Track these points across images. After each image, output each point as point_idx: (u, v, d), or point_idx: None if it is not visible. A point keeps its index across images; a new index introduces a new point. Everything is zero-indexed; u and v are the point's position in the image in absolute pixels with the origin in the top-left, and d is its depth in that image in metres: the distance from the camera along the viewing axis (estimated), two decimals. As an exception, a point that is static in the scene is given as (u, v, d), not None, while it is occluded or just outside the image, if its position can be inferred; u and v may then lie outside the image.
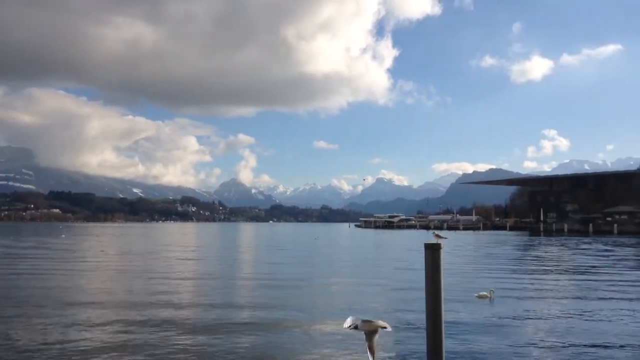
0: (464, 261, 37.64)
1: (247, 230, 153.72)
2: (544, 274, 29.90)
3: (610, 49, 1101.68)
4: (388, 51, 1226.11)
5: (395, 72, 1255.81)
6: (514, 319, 15.76)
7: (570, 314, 16.48)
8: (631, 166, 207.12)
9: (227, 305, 17.63)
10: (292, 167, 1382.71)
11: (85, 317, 15.40)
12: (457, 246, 58.85)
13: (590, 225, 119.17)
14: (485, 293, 19.77)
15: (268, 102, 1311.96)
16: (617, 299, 19.71)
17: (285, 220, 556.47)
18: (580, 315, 16.25)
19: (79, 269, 30.62)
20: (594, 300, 19.20)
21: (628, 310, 17.05)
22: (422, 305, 8.54)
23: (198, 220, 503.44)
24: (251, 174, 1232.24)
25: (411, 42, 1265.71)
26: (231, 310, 16.75)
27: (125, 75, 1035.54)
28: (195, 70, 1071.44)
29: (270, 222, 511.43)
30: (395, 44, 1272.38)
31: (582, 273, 30.05)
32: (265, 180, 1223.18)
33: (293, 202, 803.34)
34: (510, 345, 12.37)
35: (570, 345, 12.31)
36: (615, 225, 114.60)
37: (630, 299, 19.55)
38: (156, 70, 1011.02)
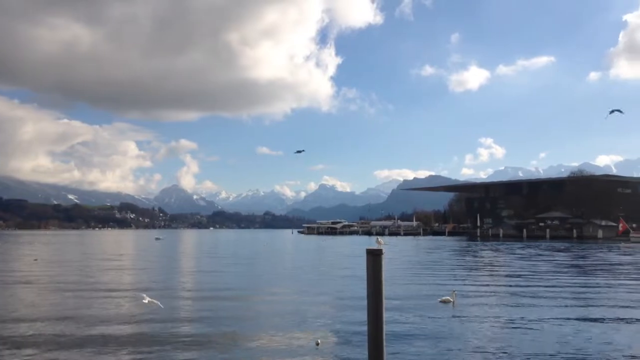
0: (409, 267, 38.26)
1: (188, 238, 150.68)
2: (488, 278, 30.81)
3: (543, 60, 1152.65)
4: (331, 59, 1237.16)
5: (339, 79, 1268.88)
6: (462, 323, 16.00)
7: (510, 319, 16.97)
8: (562, 173, 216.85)
9: (166, 319, 16.67)
10: (235, 173, 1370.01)
11: (8, 335, 14.49)
12: (400, 252, 59.82)
13: (524, 230, 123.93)
14: (448, 297, 20.10)
15: (211, 107, 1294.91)
16: (548, 305, 20.49)
17: (228, 227, 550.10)
18: (521, 321, 16.74)
19: (7, 281, 28.99)
20: (530, 306, 19.85)
21: (563, 317, 17.76)
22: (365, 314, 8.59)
23: (137, 227, 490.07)
24: (193, 180, 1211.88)
25: (354, 51, 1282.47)
26: (170, 325, 15.99)
27: (61, 77, 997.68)
28: (136, 74, 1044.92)
29: (211, 228, 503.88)
30: (339, 52, 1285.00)
31: (519, 277, 31.12)
32: (208, 186, 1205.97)
33: (236, 209, 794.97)
34: (450, 350, 12.59)
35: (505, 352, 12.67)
36: (548, 231, 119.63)
37: (566, 305, 20.36)
38: (94, 73, 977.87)
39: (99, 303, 20.30)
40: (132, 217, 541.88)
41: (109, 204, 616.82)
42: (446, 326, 15.69)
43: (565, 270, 36.96)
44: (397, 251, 62.03)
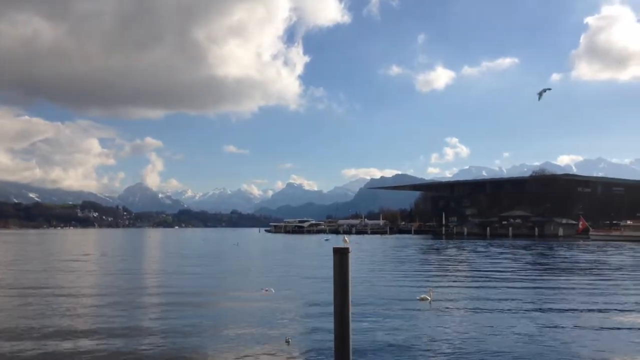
0: (379, 266, 38.60)
1: (153, 237, 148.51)
2: (457, 276, 31.32)
3: (507, 61, 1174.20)
4: (299, 57, 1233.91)
5: (306, 78, 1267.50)
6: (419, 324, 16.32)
7: (482, 316, 17.40)
8: (525, 172, 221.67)
9: (129, 329, 15.99)
10: (202, 171, 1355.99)
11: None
12: (369, 251, 60.26)
13: (488, 228, 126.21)
14: (425, 295, 20.37)
15: (177, 104, 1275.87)
16: (513, 303, 21.03)
17: (194, 226, 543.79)
18: (491, 318, 17.17)
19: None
20: (497, 302, 20.37)
21: (519, 315, 18.24)
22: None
23: (100, 226, 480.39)
24: (158, 178, 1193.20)
25: (322, 50, 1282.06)
26: (135, 328, 15.80)
27: (21, 73, 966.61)
28: (99, 70, 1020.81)
29: (176, 227, 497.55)
30: (306, 50, 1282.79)
31: (486, 275, 31.76)
32: (173, 184, 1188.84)
33: (202, 207, 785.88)
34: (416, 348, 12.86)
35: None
36: (510, 229, 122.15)
37: (532, 303, 20.90)
38: (56, 69, 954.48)
39: (58, 308, 19.61)
40: (95, 216, 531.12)
41: (71, 203, 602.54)
42: (424, 323, 16.05)
43: (529, 268, 37.91)
44: (366, 249, 62.50)
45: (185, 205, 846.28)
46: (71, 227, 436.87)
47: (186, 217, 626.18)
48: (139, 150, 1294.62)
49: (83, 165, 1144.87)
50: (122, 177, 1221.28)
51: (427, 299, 20.04)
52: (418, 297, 20.54)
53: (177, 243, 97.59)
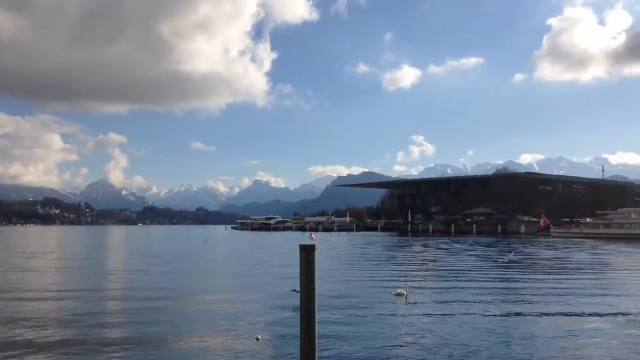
0: (347, 263, 38.73)
1: (116, 234, 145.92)
2: (424, 273, 31.63)
3: (472, 61, 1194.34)
4: (267, 54, 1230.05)
5: (274, 75, 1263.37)
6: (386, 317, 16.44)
7: (451, 311, 17.57)
8: (488, 171, 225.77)
9: (92, 324, 15.93)
10: (167, 168, 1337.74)
11: None
12: (335, 247, 60.43)
13: (452, 225, 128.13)
14: (402, 290, 20.43)
15: (142, 100, 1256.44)
16: (478, 298, 21.32)
17: (159, 223, 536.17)
18: (460, 312, 17.37)
19: None
20: (464, 297, 20.59)
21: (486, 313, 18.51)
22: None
23: (62, 223, 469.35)
24: (122, 175, 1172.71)
25: (289, 46, 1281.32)
26: (97, 330, 15.42)
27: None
28: (62, 64, 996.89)
29: (140, 224, 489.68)
30: (274, 47, 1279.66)
31: (452, 272, 32.20)
32: (138, 181, 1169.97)
33: (167, 204, 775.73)
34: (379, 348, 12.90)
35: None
36: (474, 226, 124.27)
37: (502, 301, 21.23)
38: (17, 62, 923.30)
39: (15, 306, 19.21)
40: (56, 212, 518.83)
41: (31, 199, 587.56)
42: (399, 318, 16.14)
43: (493, 264, 38.57)
44: (335, 246, 62.65)
45: (150, 202, 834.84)
46: (31, 225, 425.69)
47: (151, 214, 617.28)
48: (102, 146, 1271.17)
49: (44, 161, 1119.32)
50: (85, 174, 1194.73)
51: (404, 294, 20.15)
52: (394, 293, 20.64)
53: (141, 240, 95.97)
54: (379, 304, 19.09)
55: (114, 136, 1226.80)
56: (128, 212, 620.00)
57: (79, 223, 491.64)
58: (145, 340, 13.70)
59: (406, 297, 19.97)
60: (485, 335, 14.18)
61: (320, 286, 22.05)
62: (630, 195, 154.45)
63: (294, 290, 13.43)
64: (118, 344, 13.25)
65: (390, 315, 17.19)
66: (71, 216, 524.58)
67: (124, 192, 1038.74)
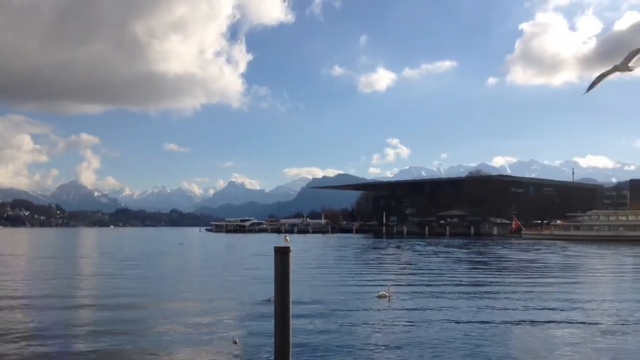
0: (323, 265, 38.71)
1: (87, 237, 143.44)
2: (402, 275, 31.80)
3: (446, 64, 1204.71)
4: (242, 55, 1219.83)
5: (250, 76, 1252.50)
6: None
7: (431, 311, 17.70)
8: (461, 173, 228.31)
9: (61, 332, 15.44)
10: (141, 169, 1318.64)
11: None
12: (311, 250, 60.37)
13: (427, 227, 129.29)
14: (384, 292, 20.42)
15: (116, 100, 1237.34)
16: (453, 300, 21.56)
17: (132, 225, 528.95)
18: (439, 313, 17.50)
19: None
20: (440, 298, 20.80)
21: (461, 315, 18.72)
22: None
23: (32, 225, 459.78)
24: (94, 176, 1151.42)
25: (265, 48, 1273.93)
26: (66, 337, 15.00)
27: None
28: (34, 63, 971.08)
29: (111, 227, 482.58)
30: (250, 49, 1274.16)
31: (429, 273, 32.47)
32: (110, 182, 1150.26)
33: (140, 206, 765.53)
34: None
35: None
36: (448, 228, 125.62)
37: (479, 302, 21.46)
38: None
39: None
40: (26, 214, 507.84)
41: (0, 201, 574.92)
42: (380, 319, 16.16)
43: (467, 266, 39.05)
44: (311, 248, 62.60)
45: (123, 204, 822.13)
46: (0, 226, 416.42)
47: (123, 216, 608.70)
48: (74, 147, 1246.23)
49: (14, 162, 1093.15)
50: (56, 175, 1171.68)
51: (386, 296, 20.19)
52: (376, 294, 20.67)
53: (115, 242, 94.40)
54: (362, 306, 19.12)
55: (86, 137, 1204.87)
56: (100, 214, 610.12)
57: (50, 225, 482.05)
58: (118, 346, 13.45)
59: (389, 299, 20.02)
60: (467, 338, 14.30)
61: (300, 290, 22.27)
62: (599, 197, 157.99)
63: (268, 300, 13.41)
64: (86, 355, 12.89)
65: (374, 316, 17.25)
66: (41, 218, 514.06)
67: (96, 194, 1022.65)
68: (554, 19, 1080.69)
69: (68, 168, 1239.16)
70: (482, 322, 16.50)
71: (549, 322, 16.51)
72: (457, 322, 16.39)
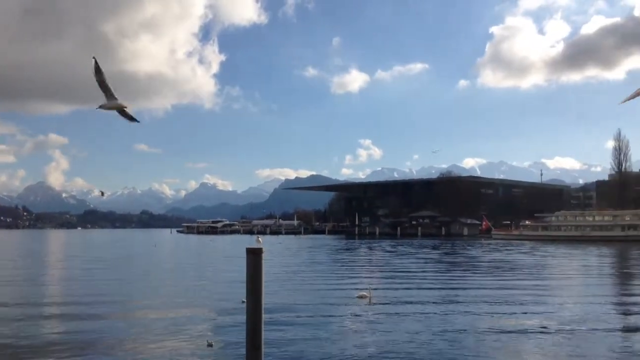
0: (297, 266, 38.58)
1: (55, 239, 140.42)
2: (378, 276, 31.91)
3: (418, 67, 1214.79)
4: (214, 56, 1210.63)
5: (222, 77, 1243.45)
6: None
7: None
8: (433, 174, 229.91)
9: (27, 334, 15.14)
10: (110, 170, 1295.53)
11: None
12: (284, 251, 60.20)
13: (399, 228, 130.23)
14: (365, 293, 20.28)
15: (85, 100, 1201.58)
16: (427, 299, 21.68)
17: (101, 227, 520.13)
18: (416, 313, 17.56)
19: None
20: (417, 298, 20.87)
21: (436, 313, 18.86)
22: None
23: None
24: (62, 177, 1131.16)
25: (238, 49, 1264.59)
26: (32, 341, 14.56)
27: None
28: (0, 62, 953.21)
29: (79, 228, 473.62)
30: (222, 49, 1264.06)
31: (404, 274, 32.65)
32: (79, 183, 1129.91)
33: (110, 207, 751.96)
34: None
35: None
36: (420, 229, 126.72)
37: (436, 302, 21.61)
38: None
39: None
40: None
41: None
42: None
43: (439, 267, 39.43)
44: (286, 250, 62.39)
45: (92, 206, 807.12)
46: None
47: (92, 217, 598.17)
48: (41, 147, 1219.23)
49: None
50: (23, 176, 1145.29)
51: (366, 297, 20.10)
52: (356, 295, 20.58)
53: (83, 245, 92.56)
54: (344, 307, 19.11)
55: (54, 137, 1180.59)
56: (68, 216, 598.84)
57: (16, 227, 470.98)
58: (87, 348, 13.14)
59: (370, 299, 20.00)
60: (451, 336, 14.52)
61: (279, 291, 22.13)
62: (567, 198, 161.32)
63: (243, 302, 13.28)
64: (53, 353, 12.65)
65: (356, 317, 17.31)
66: (8, 220, 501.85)
67: (64, 195, 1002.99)
68: (523, 22, 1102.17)
69: (35, 169, 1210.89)
70: (460, 320, 16.65)
71: (520, 321, 16.74)
72: (437, 321, 16.50)
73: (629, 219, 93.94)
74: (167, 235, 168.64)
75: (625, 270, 39.60)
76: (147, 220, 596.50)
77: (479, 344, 13.80)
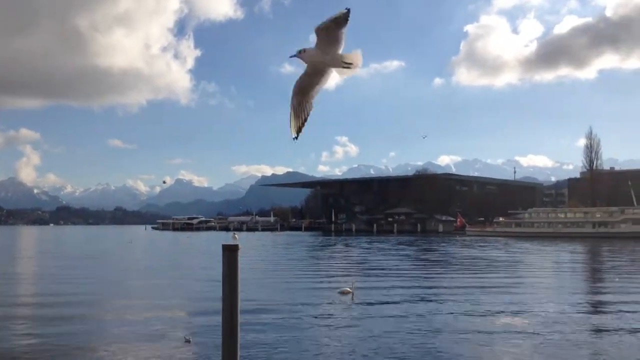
0: (276, 263, 38.51)
1: (26, 235, 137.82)
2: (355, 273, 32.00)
3: (395, 64, 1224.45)
4: (190, 51, 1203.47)
5: (198, 72, 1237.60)
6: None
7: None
8: (409, 171, 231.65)
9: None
10: (83, 166, 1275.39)
11: None
12: (260, 248, 60.02)
13: (375, 225, 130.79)
14: (348, 289, 20.07)
15: (57, 95, 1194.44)
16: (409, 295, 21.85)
17: (74, 223, 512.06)
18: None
19: None
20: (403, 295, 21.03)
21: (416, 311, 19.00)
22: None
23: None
24: (34, 173, 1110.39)
25: (214, 44, 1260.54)
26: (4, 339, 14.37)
27: None
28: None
29: (51, 225, 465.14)
30: (198, 44, 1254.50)
31: (384, 271, 32.80)
32: (51, 179, 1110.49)
33: (83, 204, 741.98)
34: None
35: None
36: (395, 225, 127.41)
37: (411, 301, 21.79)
38: None
39: None
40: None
41: None
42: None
43: (415, 263, 39.77)
44: (264, 246, 62.18)
45: (64, 202, 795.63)
46: None
47: (65, 214, 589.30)
48: (12, 142, 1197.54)
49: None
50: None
51: (349, 292, 19.91)
52: (338, 291, 20.45)
53: (56, 241, 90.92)
54: (326, 303, 19.16)
55: (26, 132, 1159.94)
56: (40, 212, 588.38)
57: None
58: (64, 347, 13.00)
59: (352, 296, 19.86)
60: (434, 332, 14.71)
61: (256, 289, 22.00)
62: (539, 195, 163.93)
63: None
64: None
65: (340, 315, 17.35)
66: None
67: (35, 191, 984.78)
68: (497, 21, 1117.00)
69: (6, 164, 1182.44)
70: (440, 317, 16.82)
71: (497, 317, 17.01)
72: (422, 317, 16.66)
73: (599, 216, 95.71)
74: (142, 232, 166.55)
75: (595, 266, 40.58)
76: (121, 216, 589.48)
77: (456, 339, 14.00)
